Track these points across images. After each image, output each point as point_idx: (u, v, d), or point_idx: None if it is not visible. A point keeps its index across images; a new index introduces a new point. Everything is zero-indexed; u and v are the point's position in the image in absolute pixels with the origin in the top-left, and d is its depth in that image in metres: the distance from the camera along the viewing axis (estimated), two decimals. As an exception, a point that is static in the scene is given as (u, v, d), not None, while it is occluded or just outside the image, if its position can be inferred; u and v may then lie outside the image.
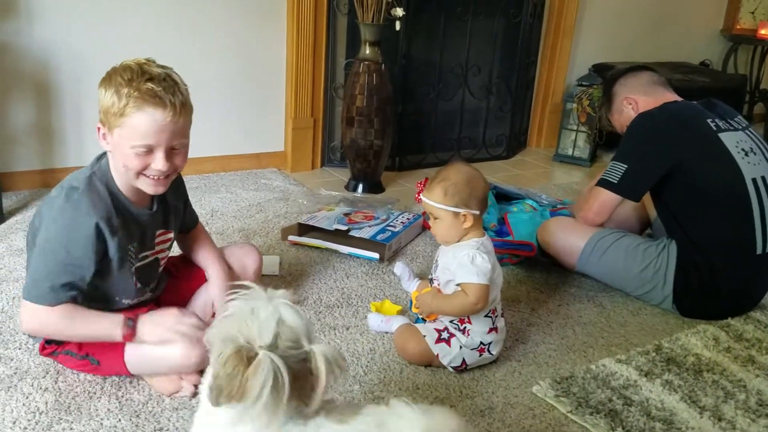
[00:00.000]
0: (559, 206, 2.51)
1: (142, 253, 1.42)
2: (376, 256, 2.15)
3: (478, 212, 1.50)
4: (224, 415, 0.84)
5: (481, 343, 1.54)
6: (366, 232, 2.25)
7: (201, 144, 2.85)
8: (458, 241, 1.53)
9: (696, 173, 1.81)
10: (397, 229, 2.31)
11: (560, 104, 3.64)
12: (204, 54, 2.75)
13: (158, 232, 1.46)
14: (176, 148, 1.30)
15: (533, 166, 3.54)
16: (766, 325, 1.87)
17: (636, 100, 1.99)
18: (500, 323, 1.58)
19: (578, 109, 3.47)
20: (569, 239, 1.99)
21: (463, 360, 1.54)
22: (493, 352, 1.57)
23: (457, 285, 1.50)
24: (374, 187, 2.92)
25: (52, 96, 2.51)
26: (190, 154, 2.93)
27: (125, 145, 1.25)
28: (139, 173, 1.28)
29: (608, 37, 3.84)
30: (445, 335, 1.55)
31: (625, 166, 1.85)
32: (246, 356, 0.80)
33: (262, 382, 0.78)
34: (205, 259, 1.61)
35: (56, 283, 1.25)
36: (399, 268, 1.99)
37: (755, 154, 1.83)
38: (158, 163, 1.27)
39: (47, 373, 1.43)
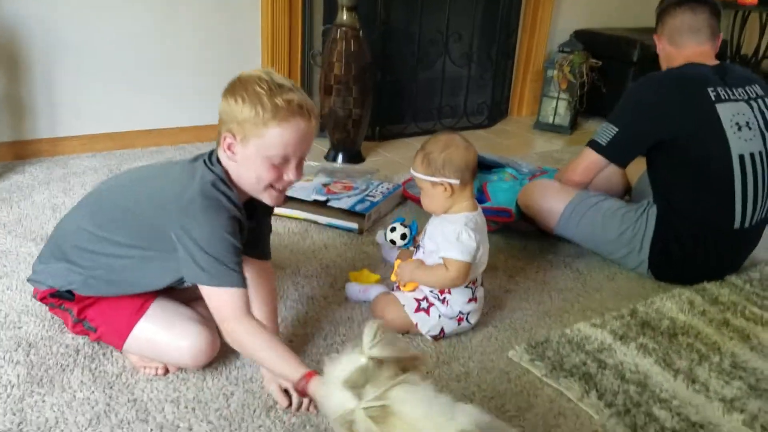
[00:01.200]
0: (538, 174, 2.50)
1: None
2: (355, 226, 2.13)
3: (457, 181, 1.47)
4: None
5: (460, 312, 1.54)
6: (345, 203, 2.23)
7: (175, 115, 2.81)
8: (447, 212, 1.52)
9: (684, 146, 1.79)
10: (376, 200, 2.29)
11: (541, 71, 3.61)
12: (176, 22, 2.68)
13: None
14: (304, 158, 1.29)
15: (514, 135, 3.52)
16: (742, 288, 1.89)
17: (661, 42, 1.95)
18: (479, 293, 1.58)
19: (559, 77, 3.44)
20: (549, 202, 1.99)
21: (442, 329, 1.54)
22: (471, 321, 1.57)
23: (441, 257, 1.49)
24: (354, 157, 2.89)
25: (22, 67, 2.44)
26: (163, 125, 2.91)
27: (261, 155, 1.22)
28: (269, 185, 1.26)
29: (591, 2, 3.80)
30: (424, 305, 1.55)
31: (617, 130, 1.83)
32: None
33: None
34: (256, 311, 1.41)
35: (230, 263, 1.21)
36: (381, 237, 1.98)
37: (750, 128, 1.79)
38: (291, 173, 1.26)
39: (19, 346, 1.42)
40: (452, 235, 1.47)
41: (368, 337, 1.03)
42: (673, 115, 1.78)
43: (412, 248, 1.76)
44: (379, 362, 1.02)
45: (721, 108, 1.77)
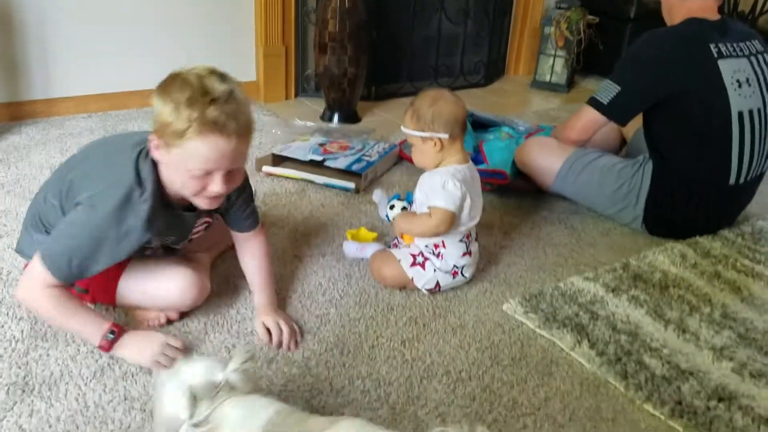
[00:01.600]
0: (535, 132, 2.50)
1: (175, 243, 1.41)
2: (352, 185, 2.14)
3: (446, 135, 1.48)
4: None
5: (455, 266, 1.57)
6: (341, 162, 2.24)
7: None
8: (437, 167, 1.53)
9: (685, 103, 1.79)
10: (372, 159, 2.30)
11: (538, 29, 3.58)
12: (168, -20, 2.64)
13: (199, 222, 1.39)
14: (234, 170, 1.22)
15: (511, 94, 3.51)
16: (734, 242, 1.92)
17: None
18: (474, 247, 1.60)
19: (556, 34, 3.41)
20: (546, 160, 2.00)
21: (437, 282, 1.57)
22: (466, 275, 1.60)
23: (428, 207, 1.51)
24: (350, 117, 2.88)
25: (16, 28, 2.41)
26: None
27: (182, 166, 1.16)
28: (198, 193, 1.21)
29: (588, -43, 3.74)
30: (419, 259, 1.57)
31: (619, 88, 1.82)
32: None
33: None
34: (251, 277, 1.49)
35: (74, 263, 1.20)
36: (377, 195, 1.99)
37: (750, 85, 1.79)
38: (216, 186, 1.19)
39: (21, 303, 1.44)
40: (438, 184, 1.49)
41: (237, 361, 0.97)
42: (676, 72, 1.77)
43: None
44: (230, 387, 0.96)
45: (722, 64, 1.77)
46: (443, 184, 1.48)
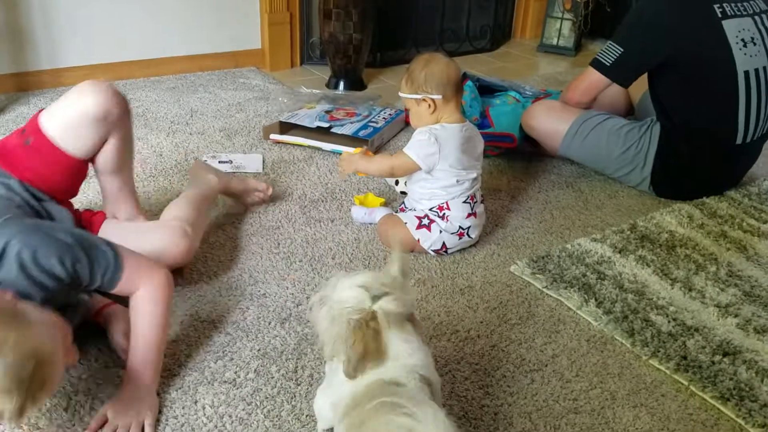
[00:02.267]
0: (542, 97, 2.49)
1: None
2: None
3: (439, 96, 1.51)
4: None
5: (460, 227, 1.58)
6: (348, 129, 2.25)
7: (174, 43, 2.78)
8: None
9: (689, 63, 1.78)
10: (379, 125, 2.30)
11: (545, -9, 3.53)
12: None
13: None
14: None
15: (518, 58, 3.48)
16: (740, 202, 1.93)
17: None
18: (479, 209, 1.62)
19: (563, -4, 3.37)
20: (553, 123, 2.00)
21: (443, 243, 1.59)
22: (473, 236, 1.62)
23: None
24: (355, 84, 2.87)
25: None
26: (164, 54, 2.87)
27: None
28: None
29: None
30: (425, 222, 1.59)
31: (621, 50, 1.82)
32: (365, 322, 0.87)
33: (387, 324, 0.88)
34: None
35: None
36: None
37: (755, 44, 1.78)
38: None
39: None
40: (416, 134, 1.55)
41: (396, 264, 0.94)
42: (679, 34, 1.76)
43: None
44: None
45: (726, 24, 1.76)
46: (419, 135, 1.54)
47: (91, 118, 1.27)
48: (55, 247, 1.03)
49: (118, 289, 1.12)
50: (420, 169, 1.54)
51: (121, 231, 1.37)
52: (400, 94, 1.58)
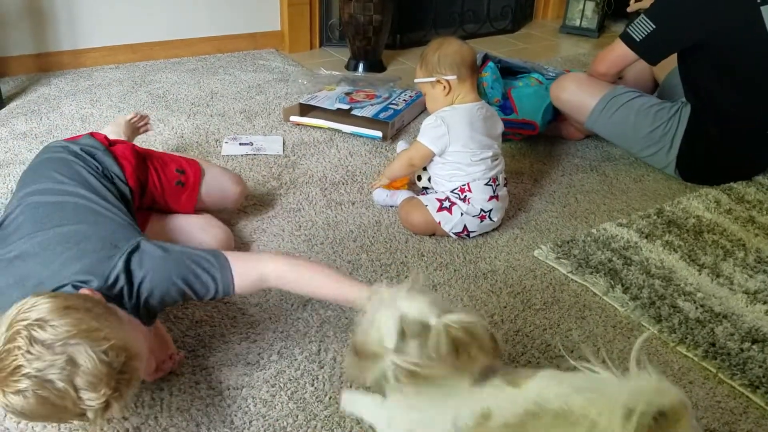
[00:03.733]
0: (565, 78, 2.45)
1: None
2: (379, 134, 2.13)
3: (454, 77, 1.50)
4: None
5: (482, 210, 1.57)
6: (368, 111, 2.23)
7: (194, 24, 2.77)
8: None
9: (724, 47, 1.73)
10: (399, 107, 2.28)
11: (568, -28, 3.47)
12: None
13: None
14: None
15: (539, 39, 3.42)
16: (769, 187, 1.89)
17: None
18: (501, 192, 1.60)
19: (587, -24, 3.30)
20: (582, 97, 1.97)
21: (465, 226, 1.57)
22: (494, 219, 1.60)
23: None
24: (375, 65, 2.84)
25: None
26: (184, 35, 2.88)
27: None
28: None
29: None
30: (446, 204, 1.57)
31: (653, 26, 1.77)
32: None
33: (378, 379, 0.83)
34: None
35: None
36: (402, 146, 1.98)
37: None
38: None
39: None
40: (425, 121, 1.56)
41: (459, 315, 0.82)
42: (716, 16, 1.71)
43: None
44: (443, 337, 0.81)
45: (765, 10, 1.70)
46: (427, 121, 1.56)
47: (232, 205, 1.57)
48: (176, 289, 1.04)
49: (240, 289, 1.09)
50: (434, 154, 1.55)
51: (170, 225, 1.45)
52: (415, 80, 1.58)
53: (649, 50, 1.81)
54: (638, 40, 1.79)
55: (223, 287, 1.06)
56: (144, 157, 1.40)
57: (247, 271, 1.08)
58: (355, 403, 1.05)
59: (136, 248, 1.04)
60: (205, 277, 1.05)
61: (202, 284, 1.05)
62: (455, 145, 1.52)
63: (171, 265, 1.04)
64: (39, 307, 0.83)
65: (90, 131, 1.47)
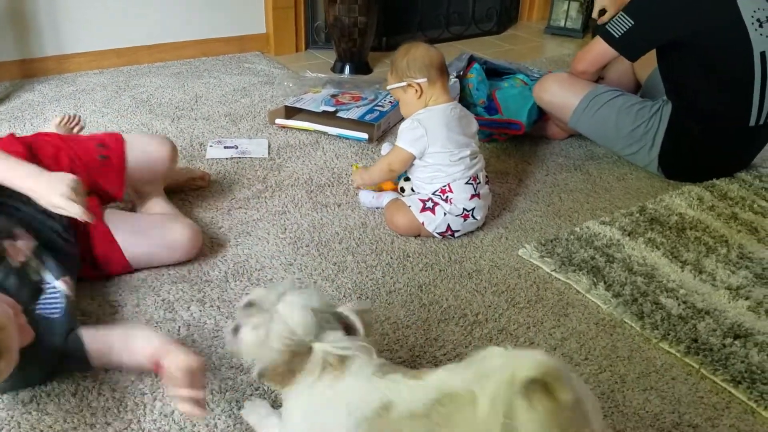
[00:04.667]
0: (549, 79, 2.46)
1: None
2: (365, 136, 2.14)
3: (424, 79, 1.52)
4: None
5: (464, 209, 1.57)
6: (354, 113, 2.23)
7: (179, 28, 2.77)
8: None
9: (703, 44, 1.75)
10: (385, 109, 2.28)
11: (552, -27, 3.49)
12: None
13: None
14: None
15: (525, 41, 3.44)
16: (751, 183, 1.90)
17: None
18: (483, 190, 1.60)
19: (571, -23, 3.33)
20: (565, 96, 1.98)
21: (448, 226, 1.58)
22: (477, 217, 1.60)
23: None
24: (361, 67, 2.85)
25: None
26: (169, 39, 2.87)
27: None
28: None
29: None
30: (429, 204, 1.58)
31: (632, 22, 1.78)
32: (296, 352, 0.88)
33: (319, 367, 0.87)
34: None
35: None
36: (387, 148, 1.99)
37: None
38: None
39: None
40: (403, 124, 1.57)
41: (355, 306, 0.93)
42: (694, 11, 1.73)
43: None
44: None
45: (741, 3, 1.72)
46: (403, 125, 1.57)
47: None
48: None
49: None
50: (414, 157, 1.56)
51: (135, 222, 1.44)
52: (387, 88, 1.60)
53: (627, 47, 1.82)
54: (617, 36, 1.81)
55: None
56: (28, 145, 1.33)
57: None
58: (254, 410, 1.06)
59: None
60: None
61: None
62: (434, 146, 1.53)
63: None
64: None
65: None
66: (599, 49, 1.86)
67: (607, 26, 1.84)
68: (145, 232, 1.42)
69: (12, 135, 1.37)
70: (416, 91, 1.53)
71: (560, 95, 1.99)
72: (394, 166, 1.60)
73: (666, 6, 1.76)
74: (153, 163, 1.49)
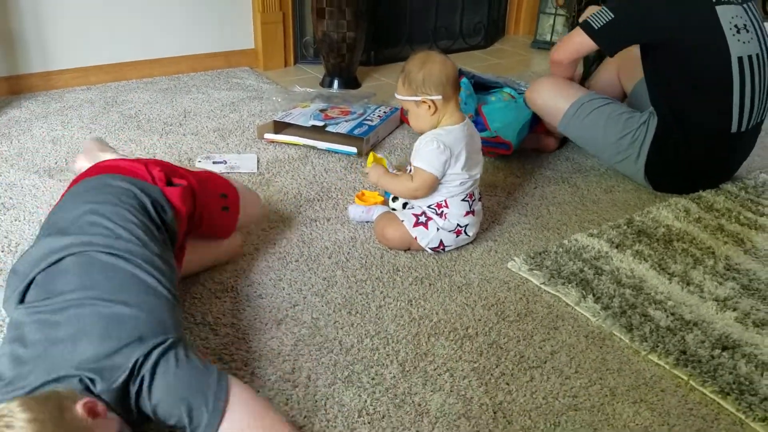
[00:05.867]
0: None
1: None
2: (354, 150, 2.14)
3: (439, 97, 1.47)
4: None
5: (458, 225, 1.58)
6: (343, 127, 2.24)
7: (167, 43, 2.77)
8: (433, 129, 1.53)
9: (683, 47, 1.78)
10: (374, 123, 2.29)
11: (538, -13, 3.53)
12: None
13: None
14: None
15: (511, 54, 3.47)
16: (737, 195, 1.92)
17: None
18: (477, 207, 1.61)
19: (556, -8, 3.37)
20: (556, 100, 2.00)
21: (441, 241, 1.58)
22: (470, 234, 1.61)
23: (413, 166, 1.54)
24: (350, 82, 2.86)
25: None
26: (156, 55, 2.87)
27: None
28: None
29: None
30: (422, 219, 1.58)
31: (612, 16, 1.81)
32: None
33: None
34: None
35: None
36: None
37: (747, 31, 1.78)
38: None
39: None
40: (424, 146, 1.50)
41: None
42: (673, 14, 1.76)
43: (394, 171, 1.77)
44: None
45: (720, 10, 1.76)
46: (427, 146, 1.49)
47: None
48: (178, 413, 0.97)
49: None
50: (439, 180, 1.52)
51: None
52: (398, 96, 1.54)
53: (606, 39, 1.84)
54: (596, 28, 1.83)
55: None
56: (194, 194, 1.32)
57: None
58: None
59: (163, 354, 0.97)
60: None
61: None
62: (454, 167, 1.51)
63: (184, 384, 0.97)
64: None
65: (138, 158, 1.36)
66: (578, 39, 1.88)
67: (588, 18, 1.86)
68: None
69: (186, 187, 1.31)
70: (429, 107, 1.49)
71: (552, 99, 2.01)
72: (420, 193, 1.54)
73: (646, 5, 1.79)
74: (249, 221, 1.58)
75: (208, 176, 1.44)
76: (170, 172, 1.31)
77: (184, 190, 1.27)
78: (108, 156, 1.61)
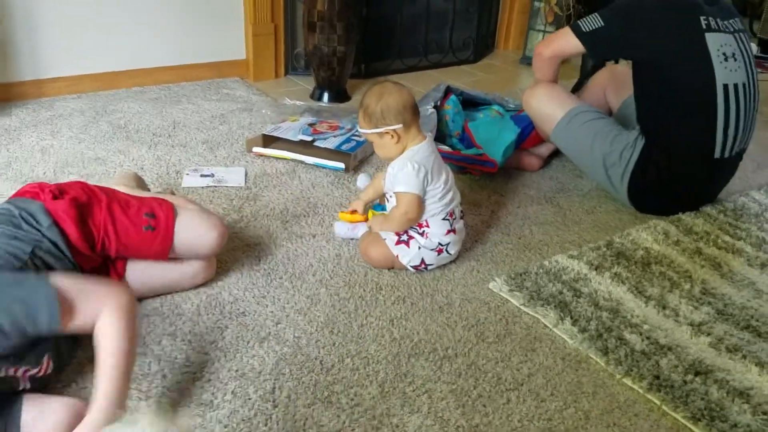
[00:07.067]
0: (523, 110, 2.52)
1: None
2: (342, 165, 2.16)
3: (400, 125, 1.52)
4: None
5: (440, 243, 1.60)
6: (331, 142, 2.26)
7: (157, 53, 2.78)
8: (400, 156, 1.57)
9: (670, 70, 1.81)
10: (362, 139, 2.31)
11: (528, 4, 3.58)
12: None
13: None
14: None
15: (500, 70, 3.51)
16: (716, 218, 1.96)
17: None
18: (458, 225, 1.63)
19: (545, 9, 3.41)
20: (551, 107, 2.03)
21: (422, 260, 1.60)
22: (452, 252, 1.63)
23: (394, 194, 1.57)
24: (340, 95, 2.89)
25: (2, 7, 2.39)
26: (147, 65, 2.87)
27: None
28: None
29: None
30: (404, 237, 1.61)
31: (602, 24, 1.84)
32: None
33: None
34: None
35: None
36: (362, 180, 2.01)
37: (735, 60, 1.81)
38: None
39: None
40: (396, 169, 1.55)
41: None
42: (660, 37, 1.80)
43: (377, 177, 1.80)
44: None
45: (709, 37, 1.79)
46: (402, 170, 1.54)
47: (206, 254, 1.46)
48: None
49: (70, 328, 1.03)
50: (423, 198, 1.55)
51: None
52: (360, 131, 1.59)
53: (592, 44, 1.87)
54: (585, 31, 1.86)
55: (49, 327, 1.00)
56: (90, 207, 1.31)
57: (83, 314, 1.03)
58: None
59: None
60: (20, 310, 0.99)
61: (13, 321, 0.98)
62: (431, 183, 1.55)
63: None
64: None
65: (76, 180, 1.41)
66: (567, 38, 1.91)
67: (580, 20, 1.89)
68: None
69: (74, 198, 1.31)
70: (392, 136, 1.53)
71: (546, 104, 2.04)
72: (411, 215, 1.56)
73: (635, 20, 1.83)
74: (197, 247, 1.43)
75: (141, 198, 1.40)
76: (70, 190, 1.32)
77: (70, 202, 1.28)
78: (136, 193, 1.55)
